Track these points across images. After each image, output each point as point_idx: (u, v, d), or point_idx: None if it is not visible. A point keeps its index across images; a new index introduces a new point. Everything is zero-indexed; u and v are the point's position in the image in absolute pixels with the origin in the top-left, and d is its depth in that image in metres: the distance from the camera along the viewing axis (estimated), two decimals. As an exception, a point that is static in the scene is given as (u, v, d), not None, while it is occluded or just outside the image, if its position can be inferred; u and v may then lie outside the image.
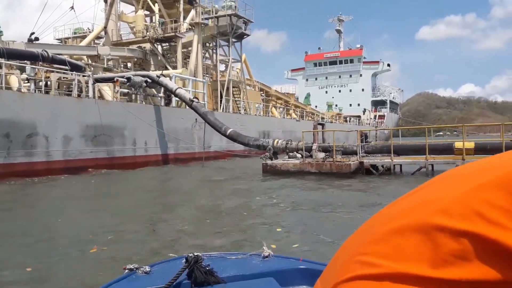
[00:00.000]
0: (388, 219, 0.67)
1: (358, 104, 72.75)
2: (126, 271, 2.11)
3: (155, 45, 32.16)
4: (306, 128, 23.86)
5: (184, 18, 32.93)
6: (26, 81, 19.83)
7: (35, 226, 8.32)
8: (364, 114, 68.98)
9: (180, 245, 6.59)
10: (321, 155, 17.84)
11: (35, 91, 18.98)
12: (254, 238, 6.78)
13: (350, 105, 72.81)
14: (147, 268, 2.12)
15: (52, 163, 18.02)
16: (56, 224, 8.46)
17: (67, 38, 35.58)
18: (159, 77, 24.53)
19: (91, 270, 5.37)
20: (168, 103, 26.71)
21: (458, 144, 16.43)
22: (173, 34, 30.75)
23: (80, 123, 19.47)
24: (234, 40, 35.64)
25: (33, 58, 20.22)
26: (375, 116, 71.15)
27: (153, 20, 34.13)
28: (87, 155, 19.66)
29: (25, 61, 20.36)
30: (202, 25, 31.70)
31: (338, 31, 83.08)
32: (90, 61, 27.17)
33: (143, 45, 32.41)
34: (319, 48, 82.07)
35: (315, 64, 78.70)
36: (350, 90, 74.94)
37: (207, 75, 36.05)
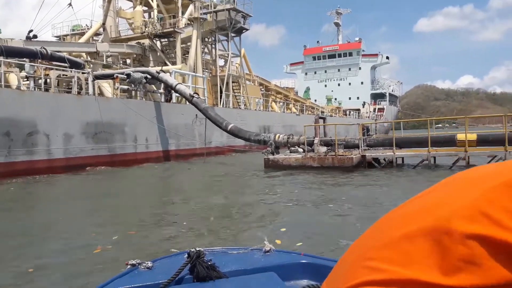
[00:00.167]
0: (396, 223, 0.66)
1: (358, 98, 72.61)
2: (129, 266, 2.12)
3: (154, 41, 31.99)
4: (306, 122, 23.82)
5: (183, 13, 32.77)
6: (25, 79, 19.74)
7: (36, 226, 8.28)
8: (363, 107, 68.87)
9: (184, 241, 6.56)
10: (323, 149, 17.80)
11: (34, 89, 18.89)
12: (258, 235, 6.74)
13: (350, 98, 72.66)
14: (149, 264, 2.13)
15: (53, 161, 17.98)
16: (57, 224, 8.42)
17: (66, 35, 35.38)
18: (158, 73, 24.44)
19: (95, 271, 5.32)
20: (168, 99, 26.63)
21: (460, 136, 16.36)
22: (172, 29, 30.58)
23: (81, 121, 19.41)
24: (233, 34, 35.49)
25: (32, 55, 20.11)
26: (374, 109, 71.04)
27: (152, 16, 33.94)
28: (88, 153, 19.61)
29: (24, 59, 20.26)
30: (201, 20, 31.54)
31: (337, 24, 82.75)
32: (89, 58, 27.04)
33: (142, 41, 32.24)
34: (317, 42, 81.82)
35: (314, 58, 78.46)
36: (349, 84, 74.76)
37: (206, 70, 35.93)
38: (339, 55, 76.02)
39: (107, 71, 24.82)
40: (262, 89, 45.37)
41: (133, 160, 21.76)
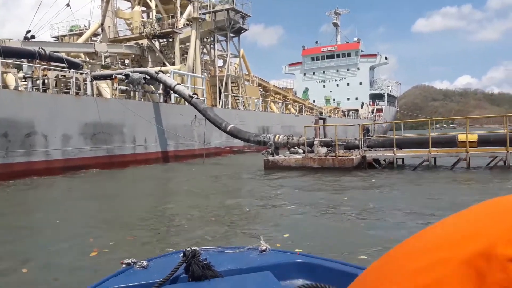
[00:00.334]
0: (429, 247, 0.61)
1: (356, 98, 72.63)
2: (124, 265, 2.12)
3: (153, 41, 31.89)
4: (305, 123, 23.74)
5: (181, 13, 32.67)
6: (23, 80, 19.59)
7: (31, 228, 8.16)
8: (362, 107, 68.88)
9: (183, 242, 6.45)
10: (323, 150, 17.72)
11: (32, 90, 18.74)
12: (255, 235, 6.63)
13: (348, 99, 72.67)
14: (145, 263, 2.13)
15: (52, 162, 17.84)
16: (54, 226, 8.29)
17: (64, 36, 35.25)
18: (157, 73, 24.32)
19: (91, 272, 5.21)
20: (167, 100, 26.52)
21: (461, 137, 16.31)
22: (171, 29, 30.47)
23: (79, 121, 19.28)
24: (232, 35, 35.41)
25: (30, 56, 19.97)
26: (373, 110, 71.06)
27: (150, 16, 33.82)
28: (87, 154, 19.48)
29: (22, 59, 20.11)
30: (200, 20, 31.42)
31: (335, 25, 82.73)
32: (87, 59, 26.90)
33: (140, 41, 32.14)
34: (316, 42, 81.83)
35: (313, 58, 78.43)
36: (348, 84, 74.74)
37: (205, 71, 35.81)
38: (338, 56, 76.01)
39: (106, 72, 24.68)
40: (261, 90, 45.31)
41: (132, 161, 21.64)
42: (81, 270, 5.38)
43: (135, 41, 32.11)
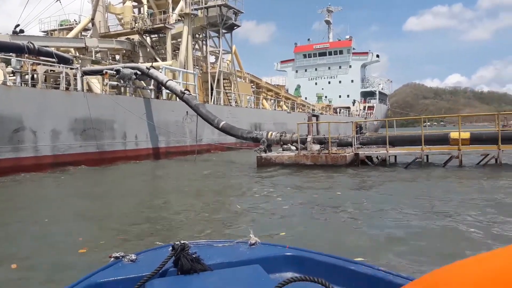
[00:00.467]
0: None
1: (348, 96, 72.87)
2: (112, 259, 2.10)
3: (144, 36, 31.58)
4: (297, 120, 23.60)
5: (173, 9, 32.36)
6: (12, 74, 19.22)
7: (20, 226, 7.97)
8: (353, 105, 69.06)
9: (175, 239, 6.30)
10: (316, 147, 17.65)
11: (21, 85, 18.40)
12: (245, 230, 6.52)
13: (340, 96, 72.88)
14: (133, 256, 2.12)
15: (41, 158, 17.55)
16: (42, 223, 8.10)
17: (53, 31, 34.72)
18: (149, 69, 24.03)
19: (80, 269, 5.06)
20: (159, 95, 26.27)
21: (453, 135, 16.32)
22: (162, 25, 30.19)
23: (69, 117, 18.98)
24: (224, 31, 35.20)
25: (19, 50, 19.59)
26: (364, 107, 71.29)
27: (142, 11, 33.49)
28: (77, 150, 19.20)
29: (10, 54, 19.73)
30: (192, 15, 31.15)
31: (327, 22, 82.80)
32: (77, 54, 26.51)
33: (131, 36, 31.79)
34: (308, 39, 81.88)
35: (305, 56, 78.47)
36: (340, 82, 74.93)
37: (197, 67, 35.54)
38: (330, 53, 76.12)
39: (96, 67, 24.36)
40: (253, 87, 45.13)
41: (123, 157, 21.39)
42: (70, 269, 5.22)
43: (126, 37, 31.76)
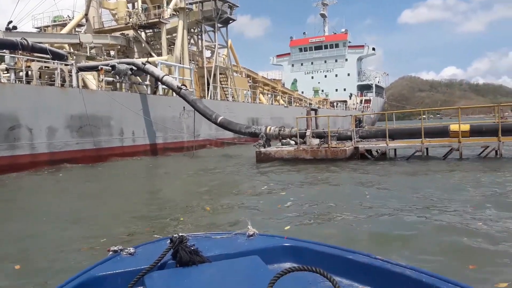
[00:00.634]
0: None
1: (344, 89, 72.69)
2: (111, 252, 2.11)
3: (139, 31, 31.22)
4: (295, 114, 23.45)
5: (168, 3, 31.91)
6: (6, 71, 18.91)
7: (19, 224, 7.82)
8: (350, 98, 68.90)
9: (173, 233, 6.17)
10: (316, 141, 17.51)
11: (15, 82, 18.11)
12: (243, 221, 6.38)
13: (336, 90, 72.70)
14: (132, 250, 2.13)
15: (37, 155, 17.32)
16: (42, 223, 7.93)
17: (47, 27, 34.31)
18: (144, 64, 23.77)
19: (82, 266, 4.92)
20: (156, 91, 26.02)
21: (453, 127, 16.22)
22: (157, 20, 29.83)
23: (65, 114, 18.73)
24: (219, 25, 34.87)
25: (12, 46, 19.27)
26: (361, 101, 71.17)
27: (136, 6, 33.06)
28: (73, 147, 18.97)
29: (4, 50, 19.41)
30: (187, 10, 30.81)
31: (323, 16, 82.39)
32: (72, 50, 26.19)
33: (126, 32, 31.43)
34: (304, 33, 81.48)
35: (301, 50, 78.12)
36: (336, 75, 74.71)
37: (192, 62, 35.24)
38: (326, 47, 75.79)
39: (91, 63, 24.06)
40: (250, 81, 44.86)
41: (120, 154, 21.17)
42: (73, 269, 5.07)
43: (121, 32, 31.41)
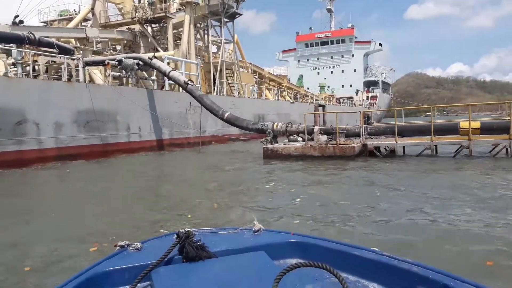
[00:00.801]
0: None
1: (350, 85, 72.28)
2: (117, 248, 2.12)
3: (145, 26, 31.09)
4: (301, 110, 23.33)
5: (174, -3, 31.78)
6: (13, 66, 18.87)
7: (28, 222, 7.74)
8: (357, 95, 68.53)
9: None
10: (324, 138, 17.34)
11: (22, 76, 18.06)
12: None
13: (342, 86, 72.32)
14: (138, 245, 2.13)
15: (44, 151, 17.29)
16: (51, 220, 7.85)
17: (53, 21, 34.26)
18: (151, 59, 23.66)
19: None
20: (163, 86, 25.93)
21: (463, 124, 16.01)
22: (163, 14, 29.69)
23: (72, 109, 18.68)
24: (226, 20, 34.67)
25: (19, 41, 19.21)
26: (367, 97, 70.79)
27: (142, 1, 32.92)
28: (80, 142, 18.93)
29: (11, 45, 19.35)
30: (193, 4, 30.63)
31: (329, 10, 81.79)
32: (78, 44, 26.12)
33: (132, 26, 31.32)
34: (310, 28, 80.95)
35: (307, 45, 77.69)
36: (342, 71, 74.28)
37: (199, 57, 35.10)
38: (332, 42, 75.32)
39: (98, 58, 23.97)
40: (255, 77, 44.67)
41: (126, 149, 21.12)
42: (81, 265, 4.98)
43: (127, 26, 31.30)
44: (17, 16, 27.02)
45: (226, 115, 21.89)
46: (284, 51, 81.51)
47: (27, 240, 6.41)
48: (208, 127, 26.76)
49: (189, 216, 7.65)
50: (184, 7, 30.70)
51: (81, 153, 18.54)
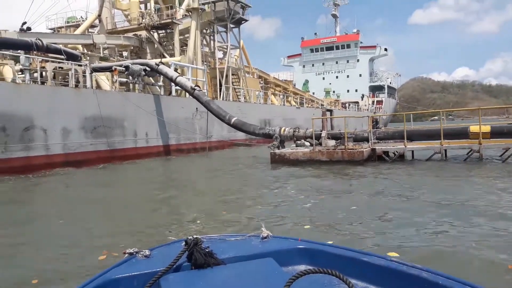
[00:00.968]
0: None
1: (356, 90, 72.11)
2: (126, 255, 2.12)
3: (151, 32, 31.20)
4: (307, 116, 23.25)
5: (180, 3, 31.88)
6: (20, 72, 18.96)
7: (36, 230, 7.67)
8: (362, 99, 68.33)
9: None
10: (332, 142, 17.23)
11: (30, 82, 18.13)
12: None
13: (348, 91, 72.16)
14: (147, 252, 2.14)
15: (52, 157, 17.30)
16: (59, 229, 7.78)
17: (60, 28, 34.49)
18: (158, 65, 23.71)
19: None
20: (171, 92, 25.96)
21: (473, 128, 15.84)
22: (170, 20, 29.78)
23: (79, 115, 18.71)
24: (232, 25, 34.75)
25: (27, 47, 19.32)
26: (373, 102, 70.56)
27: (148, 7, 33.09)
28: (88, 148, 18.94)
29: (19, 51, 19.46)
30: (200, 10, 30.72)
31: (334, 16, 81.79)
32: (85, 50, 26.23)
33: (138, 33, 31.43)
34: (315, 34, 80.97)
35: (312, 50, 77.71)
36: (348, 76, 74.16)
37: (205, 62, 35.16)
38: (337, 47, 75.28)
39: (105, 64, 24.05)
40: (261, 82, 44.70)
41: (134, 155, 21.11)
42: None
43: (134, 33, 31.42)
44: (24, 23, 27.18)
45: (233, 120, 21.84)
46: (289, 57, 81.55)
47: (34, 249, 6.35)
48: (214, 132, 26.73)
49: (198, 222, 7.57)
50: (190, 13, 30.79)
51: (88, 159, 18.54)
